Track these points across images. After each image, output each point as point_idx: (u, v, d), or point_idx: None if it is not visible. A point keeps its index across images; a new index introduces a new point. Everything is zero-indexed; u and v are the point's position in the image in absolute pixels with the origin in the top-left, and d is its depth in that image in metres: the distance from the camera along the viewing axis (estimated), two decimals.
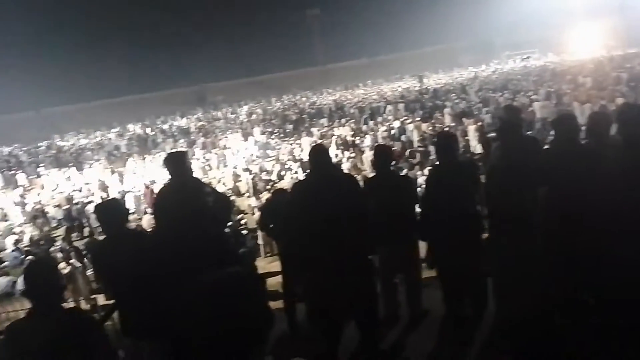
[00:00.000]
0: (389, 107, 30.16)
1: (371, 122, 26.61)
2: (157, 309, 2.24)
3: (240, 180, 19.19)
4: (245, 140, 28.13)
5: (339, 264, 3.21)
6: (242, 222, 13.40)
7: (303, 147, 22.26)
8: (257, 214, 12.28)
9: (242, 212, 15.05)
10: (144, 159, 27.59)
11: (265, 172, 19.89)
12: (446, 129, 18.36)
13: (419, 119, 24.14)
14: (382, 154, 4.75)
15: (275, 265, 6.04)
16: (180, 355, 2.24)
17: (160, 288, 2.29)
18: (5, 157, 41.27)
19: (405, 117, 24.91)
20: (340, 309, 3.34)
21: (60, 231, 17.41)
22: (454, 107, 25.79)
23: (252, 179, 18.47)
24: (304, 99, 50.88)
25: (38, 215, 18.56)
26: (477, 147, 16.70)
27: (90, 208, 17.75)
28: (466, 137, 17.82)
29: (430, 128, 20.83)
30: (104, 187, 20.79)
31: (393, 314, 4.44)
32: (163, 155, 27.45)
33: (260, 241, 12.34)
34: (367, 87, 54.30)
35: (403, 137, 20.68)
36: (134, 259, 2.29)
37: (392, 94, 40.53)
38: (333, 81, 61.26)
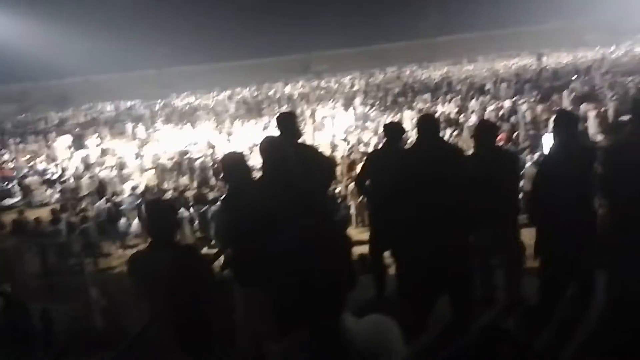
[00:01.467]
0: (501, 85, 28.44)
1: (479, 100, 25.27)
2: (265, 258, 2.32)
3: (337, 150, 19.36)
4: (346, 110, 28.19)
5: (438, 237, 3.12)
6: (336, 190, 13.57)
7: (403, 121, 21.84)
8: (351, 184, 12.35)
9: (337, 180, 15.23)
10: (251, 122, 28.86)
11: (362, 144, 19.85)
12: None
13: (533, 100, 22.51)
14: (486, 128, 4.46)
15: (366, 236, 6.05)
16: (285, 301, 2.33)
17: (270, 239, 2.36)
18: (127, 110, 45.37)
19: (518, 97, 23.34)
20: (435, 283, 3.27)
21: (172, 182, 18.90)
22: (575, 89, 23.66)
23: (349, 149, 18.54)
24: (408, 72, 49.57)
25: (153, 166, 20.30)
26: (597, 136, 15.27)
27: (198, 163, 19.19)
28: (585, 124, 16.32)
29: (546, 111, 19.32)
30: (211, 146, 22.10)
31: (488, 297, 4.26)
32: (265, 119, 28.66)
33: (352, 210, 12.48)
34: (477, 62, 51.45)
35: (513, 119, 19.44)
36: (253, 210, 2.39)
37: (505, 71, 38.06)
38: (441, 55, 58.75)
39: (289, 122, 3.68)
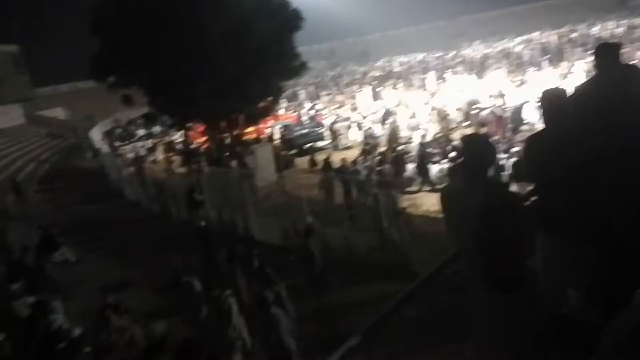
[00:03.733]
0: None
1: None
2: (585, 208, 2.18)
3: None
4: None
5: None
6: None
7: None
8: None
9: None
10: (547, 69, 26.20)
11: None
12: None
13: None
14: None
15: None
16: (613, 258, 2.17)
17: (591, 187, 2.19)
18: (419, 62, 46.95)
19: None
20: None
21: (457, 133, 19.01)
22: None
23: None
24: None
25: (441, 116, 20.75)
26: None
27: (484, 115, 18.69)
28: None
29: None
30: (501, 95, 21.12)
31: None
32: (565, 66, 25.47)
33: None
34: None
35: None
36: (569, 152, 2.27)
37: None
38: None
39: (610, 55, 2.98)
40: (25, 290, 7.60)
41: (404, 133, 19.74)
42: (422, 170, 14.40)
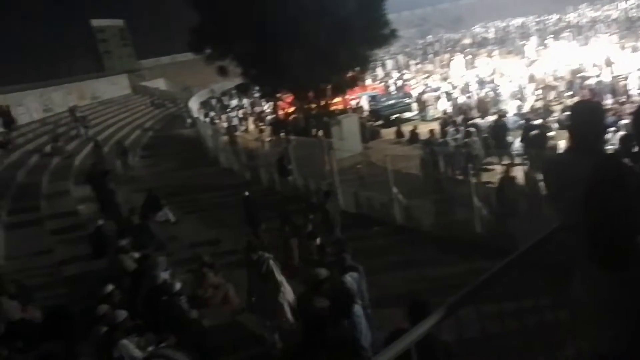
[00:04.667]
0: None
1: None
2: None
3: None
4: None
5: None
6: None
7: None
8: None
9: None
10: None
11: None
12: None
13: None
14: None
15: None
16: None
17: None
18: (518, 28, 43.84)
19: None
20: None
21: (559, 105, 17.67)
22: None
23: None
24: None
25: (541, 85, 19.36)
26: None
27: (589, 83, 17.11)
28: None
29: None
30: (609, 63, 19.25)
31: None
32: None
33: None
34: None
35: None
36: None
37: None
38: None
39: None
40: (133, 246, 8.34)
41: (498, 104, 18.74)
42: (516, 142, 13.62)
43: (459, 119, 16.78)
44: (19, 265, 8.73)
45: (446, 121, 16.92)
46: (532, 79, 20.57)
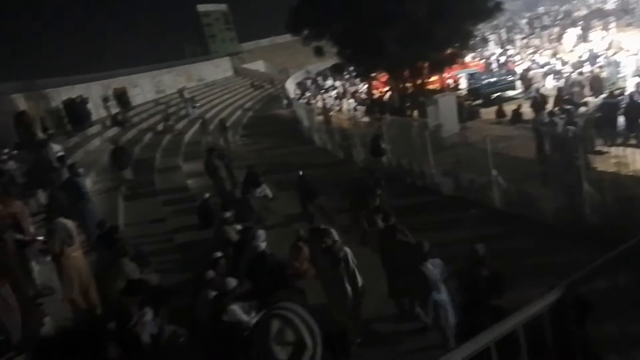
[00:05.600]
0: None
1: None
2: None
3: None
4: None
5: None
6: None
7: None
8: None
9: None
10: None
11: None
12: None
13: None
14: None
15: None
16: None
17: None
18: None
19: None
20: None
21: None
22: None
23: None
24: None
25: None
26: None
27: None
28: None
29: None
30: None
31: None
32: None
33: None
34: None
35: None
36: None
37: None
38: None
39: None
40: (236, 219, 8.89)
41: (614, 81, 17.06)
42: (634, 123, 12.36)
43: (573, 96, 15.50)
44: (136, 232, 9.66)
45: (565, 99, 15.64)
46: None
